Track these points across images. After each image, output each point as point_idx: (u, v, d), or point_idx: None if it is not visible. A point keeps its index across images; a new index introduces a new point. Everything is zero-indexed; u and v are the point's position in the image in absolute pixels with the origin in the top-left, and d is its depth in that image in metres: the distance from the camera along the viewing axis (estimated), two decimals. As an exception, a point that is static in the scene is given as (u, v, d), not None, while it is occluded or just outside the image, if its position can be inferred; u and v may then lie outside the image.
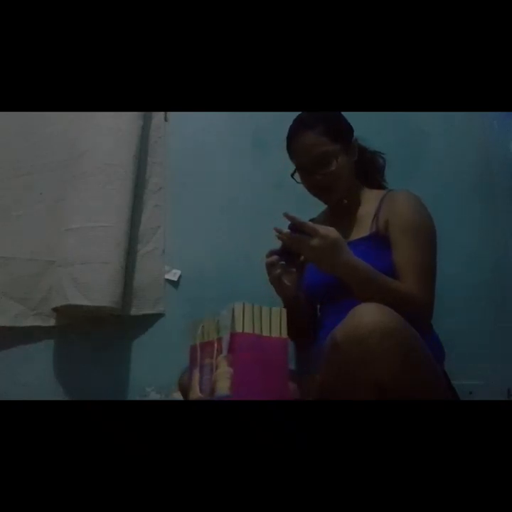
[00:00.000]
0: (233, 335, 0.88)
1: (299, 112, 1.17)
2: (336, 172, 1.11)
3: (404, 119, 1.64)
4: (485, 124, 1.64)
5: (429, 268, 1.03)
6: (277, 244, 1.40)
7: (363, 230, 1.13)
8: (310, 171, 1.13)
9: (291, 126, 1.17)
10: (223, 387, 0.86)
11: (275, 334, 0.92)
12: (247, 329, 0.89)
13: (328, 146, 1.10)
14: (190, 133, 1.71)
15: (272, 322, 0.92)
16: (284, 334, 0.93)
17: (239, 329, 0.88)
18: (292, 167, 1.18)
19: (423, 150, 1.63)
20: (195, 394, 0.93)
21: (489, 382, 1.32)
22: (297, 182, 1.18)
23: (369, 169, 1.24)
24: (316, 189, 1.16)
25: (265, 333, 0.91)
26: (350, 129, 1.18)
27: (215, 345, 0.91)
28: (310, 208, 1.31)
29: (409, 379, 0.83)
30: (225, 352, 0.88)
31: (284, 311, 0.95)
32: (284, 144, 1.18)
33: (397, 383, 0.81)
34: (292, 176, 1.17)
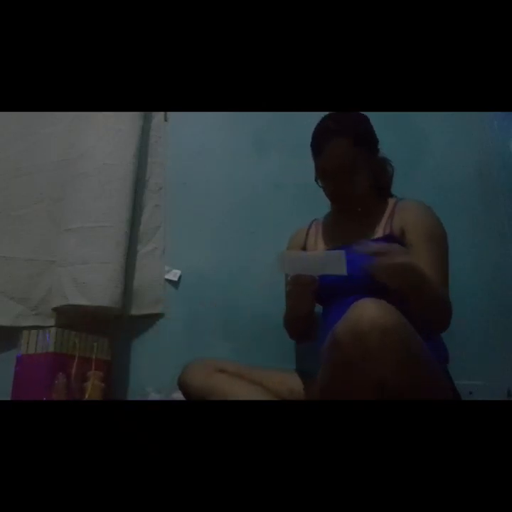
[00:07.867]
0: None
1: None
2: (360, 181, 1.13)
3: (404, 119, 1.63)
4: (485, 124, 1.64)
5: (447, 275, 1.08)
6: (277, 244, 1.39)
7: (374, 233, 1.14)
8: (334, 176, 1.14)
9: (322, 125, 1.16)
10: None
11: None
12: None
13: (358, 156, 1.11)
14: (190, 133, 1.71)
15: None
16: None
17: None
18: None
19: (423, 150, 1.63)
20: None
21: (489, 382, 1.32)
22: (319, 186, 1.18)
23: (381, 177, 1.24)
24: (335, 194, 1.17)
25: None
26: (377, 140, 1.19)
27: None
28: (309, 208, 1.31)
29: (409, 375, 0.83)
30: None
31: None
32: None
33: (397, 379, 0.81)
34: (316, 180, 1.18)
